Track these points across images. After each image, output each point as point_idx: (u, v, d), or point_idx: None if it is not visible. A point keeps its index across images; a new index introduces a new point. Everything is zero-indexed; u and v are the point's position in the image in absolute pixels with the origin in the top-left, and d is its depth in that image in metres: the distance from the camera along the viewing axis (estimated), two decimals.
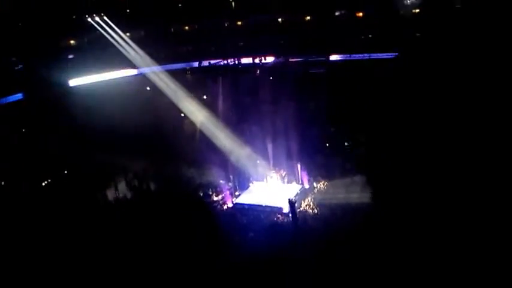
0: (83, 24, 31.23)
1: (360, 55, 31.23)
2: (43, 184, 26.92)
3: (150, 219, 23.41)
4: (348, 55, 31.60)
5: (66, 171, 27.80)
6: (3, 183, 26.18)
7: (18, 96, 27.77)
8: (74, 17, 31.46)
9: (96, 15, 31.25)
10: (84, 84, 30.60)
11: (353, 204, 24.08)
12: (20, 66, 28.23)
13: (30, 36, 27.23)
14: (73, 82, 29.91)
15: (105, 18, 31.48)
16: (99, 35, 31.12)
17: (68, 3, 30.00)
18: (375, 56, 29.77)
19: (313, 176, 28.31)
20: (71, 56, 30.82)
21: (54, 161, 27.24)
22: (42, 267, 19.15)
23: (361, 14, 33.34)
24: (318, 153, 28.94)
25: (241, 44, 35.63)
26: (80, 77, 30.14)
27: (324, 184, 27.61)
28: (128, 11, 32.74)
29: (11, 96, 27.61)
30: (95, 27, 31.35)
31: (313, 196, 26.56)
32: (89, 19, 31.21)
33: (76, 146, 27.48)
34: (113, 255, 20.04)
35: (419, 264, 17.33)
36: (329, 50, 31.36)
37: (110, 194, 27.54)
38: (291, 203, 24.14)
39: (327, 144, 30.04)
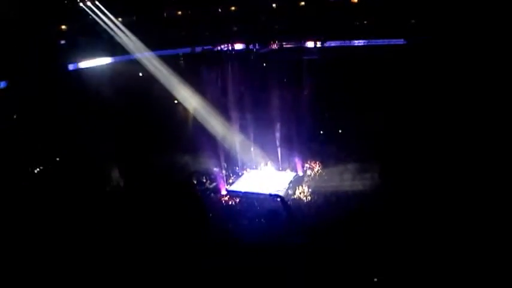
0: (74, 9, 30.72)
1: (357, 41, 31.15)
2: (35, 171, 26.65)
3: (143, 207, 23.30)
4: (347, 41, 31.49)
5: (58, 158, 27.50)
6: None
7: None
8: (65, 1, 30.89)
9: (88, 0, 30.76)
10: (76, 69, 30.22)
11: (347, 191, 24.15)
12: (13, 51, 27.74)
13: (23, 21, 26.73)
14: (65, 67, 29.51)
15: (96, 2, 30.98)
16: (91, 20, 30.65)
17: None
18: (373, 42, 29.75)
19: (308, 163, 28.33)
20: (62, 42, 30.37)
21: (46, 148, 27.00)
22: (39, 258, 19.05)
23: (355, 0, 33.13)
24: (312, 141, 28.94)
25: (235, 29, 35.35)
26: (72, 62, 29.75)
27: (318, 171, 27.63)
28: None
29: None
30: (87, 12, 30.86)
31: (307, 183, 26.57)
32: (81, 4, 30.71)
33: (68, 133, 27.32)
34: (107, 243, 19.96)
35: (411, 252, 17.45)
36: (324, 36, 31.23)
37: (103, 182, 27.34)
38: (283, 201, 24.18)
39: (321, 132, 30.04)
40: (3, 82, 27.74)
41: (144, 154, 28.20)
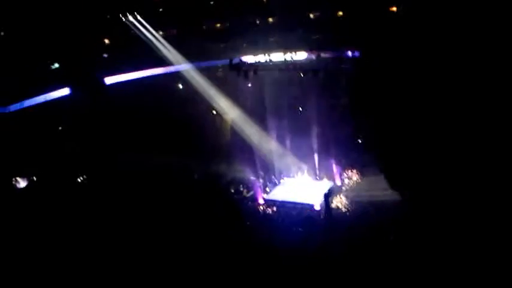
0: (117, 23, 31.79)
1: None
2: (78, 181, 27.59)
3: (182, 214, 23.72)
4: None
5: (101, 168, 28.35)
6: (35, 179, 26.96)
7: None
8: (108, 16, 32.01)
9: (130, 14, 31.75)
10: (118, 82, 31.20)
11: (386, 201, 23.72)
12: (56, 66, 28.94)
13: (67, 35, 27.88)
14: (108, 80, 30.50)
15: (138, 17, 31.96)
16: (133, 34, 31.63)
17: (102, 3, 30.57)
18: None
19: (345, 173, 28.08)
20: (105, 55, 31.46)
21: (89, 158, 27.89)
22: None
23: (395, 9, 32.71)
24: (350, 150, 28.65)
25: (272, 39, 35.56)
26: (115, 75, 30.72)
27: (356, 181, 27.34)
28: (160, 9, 33.10)
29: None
30: (129, 26, 31.87)
31: (345, 193, 26.32)
32: (123, 18, 31.75)
33: (110, 143, 28.14)
34: (145, 248, 20.42)
35: (449, 265, 16.90)
36: (362, 46, 30.96)
37: (143, 190, 27.96)
38: (326, 197, 24.05)
39: (359, 141, 29.64)
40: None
41: (184, 163, 28.69)
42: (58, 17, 26.93)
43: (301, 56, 33.17)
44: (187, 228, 22.17)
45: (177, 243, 20.81)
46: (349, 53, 31.20)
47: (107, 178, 27.73)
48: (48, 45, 27.42)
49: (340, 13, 34.60)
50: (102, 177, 27.86)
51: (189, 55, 32.81)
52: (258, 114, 31.16)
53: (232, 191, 27.73)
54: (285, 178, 29.34)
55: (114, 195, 25.39)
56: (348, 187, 27.14)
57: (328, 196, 24.45)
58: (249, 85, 33.09)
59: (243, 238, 21.78)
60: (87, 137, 28.40)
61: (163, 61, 32.58)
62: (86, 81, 28.94)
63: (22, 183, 26.66)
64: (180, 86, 33.52)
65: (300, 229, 22.93)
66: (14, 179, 26.47)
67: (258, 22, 35.95)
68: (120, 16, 31.33)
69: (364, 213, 23.59)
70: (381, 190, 24.83)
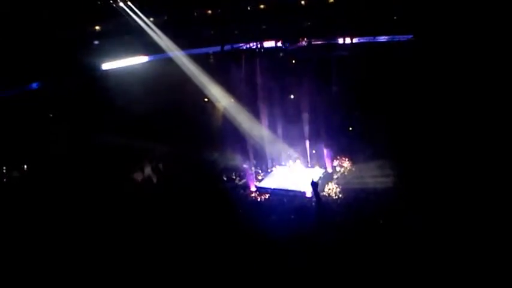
0: (107, 9, 31.46)
1: (384, 37, 30.82)
2: (71, 167, 27.48)
3: (173, 202, 23.86)
4: (372, 37, 31.19)
5: (92, 155, 28.23)
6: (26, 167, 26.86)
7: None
8: (98, 2, 31.67)
9: (120, 1, 31.43)
10: (109, 69, 31.01)
11: (377, 189, 23.99)
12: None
13: (57, 22, 27.59)
14: (100, 67, 30.30)
15: (129, 3, 31.64)
16: (124, 20, 31.35)
17: None
18: (398, 38, 29.37)
19: (337, 160, 28.27)
20: (96, 42, 31.19)
21: (82, 144, 27.77)
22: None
23: None
24: (342, 137, 28.82)
25: (264, 27, 35.47)
26: (106, 62, 30.52)
27: (347, 168, 27.55)
28: None
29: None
30: (119, 13, 31.56)
31: (336, 180, 26.54)
32: (113, 4, 31.42)
33: (102, 130, 28.05)
34: (134, 236, 20.53)
35: (439, 253, 17.26)
36: (352, 32, 31.04)
37: (136, 177, 28.04)
38: (314, 185, 24.27)
39: (350, 128, 29.86)
40: (36, 83, 28.50)
41: (175, 151, 28.74)
42: (49, 5, 26.61)
43: (292, 43, 33.21)
44: (180, 216, 22.31)
45: (169, 231, 20.96)
46: (341, 40, 31.33)
47: (99, 166, 27.66)
48: (39, 34, 27.10)
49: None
50: (94, 165, 27.77)
51: (180, 42, 32.63)
52: (249, 102, 31.13)
53: (225, 178, 27.83)
54: (276, 166, 29.45)
55: (105, 183, 25.42)
56: (339, 174, 27.33)
57: (315, 184, 24.63)
58: (241, 72, 33.03)
59: (235, 225, 21.93)
60: (77, 123, 28.24)
61: (154, 48, 32.39)
62: (77, 69, 28.69)
63: (14, 173, 26.54)
64: (171, 73, 33.28)
65: (292, 216, 23.10)
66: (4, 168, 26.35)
67: (249, 8, 35.77)
68: (111, 2, 31.01)
69: (355, 199, 23.82)
70: (371, 177, 25.22)
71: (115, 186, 25.11)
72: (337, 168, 27.84)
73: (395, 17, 31.70)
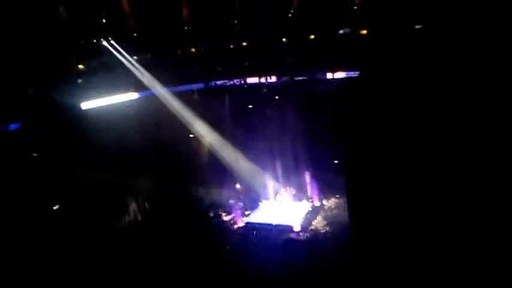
0: (90, 48, 31.61)
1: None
2: (54, 208, 26.90)
3: (159, 239, 23.50)
4: (353, 72, 31.83)
5: (76, 194, 27.75)
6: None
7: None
8: (82, 42, 31.81)
9: (104, 40, 31.64)
10: (93, 107, 30.87)
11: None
12: (30, 91, 28.40)
13: (41, 60, 27.55)
14: (83, 105, 30.14)
15: (112, 42, 31.87)
16: (107, 59, 31.50)
17: (76, 28, 30.39)
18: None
19: (323, 193, 28.33)
20: (79, 80, 31.13)
21: (65, 184, 27.29)
22: None
23: (364, 32, 33.66)
24: (327, 170, 28.96)
25: (247, 64, 35.96)
26: (89, 100, 30.40)
27: (334, 201, 27.61)
28: (134, 34, 33.11)
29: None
30: (103, 51, 31.72)
31: (324, 214, 26.53)
32: (97, 43, 31.61)
33: (86, 168, 27.64)
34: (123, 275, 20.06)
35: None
36: (335, 67, 31.69)
37: (121, 216, 27.57)
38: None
39: (335, 161, 30.04)
40: (15, 124, 28.13)
41: (161, 188, 28.45)
42: (32, 43, 26.61)
43: (275, 79, 33.71)
44: (166, 253, 21.93)
45: (157, 268, 20.57)
46: (326, 75, 31.94)
47: (81, 204, 27.13)
48: (22, 71, 26.97)
49: (312, 36, 35.29)
50: (77, 204, 27.24)
51: (164, 79, 32.81)
52: (234, 137, 31.26)
53: (211, 214, 27.59)
54: (263, 200, 29.36)
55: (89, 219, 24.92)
56: (326, 207, 27.35)
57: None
58: (225, 108, 33.29)
59: (223, 262, 21.63)
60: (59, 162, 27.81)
61: (138, 85, 32.47)
62: (60, 107, 28.48)
63: None
64: (155, 110, 33.29)
65: (280, 251, 22.90)
66: None
67: (231, 46, 36.31)
68: (94, 41, 31.19)
69: (343, 231, 23.75)
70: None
71: (100, 225, 24.61)
72: (324, 202, 27.88)
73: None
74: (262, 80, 33.50)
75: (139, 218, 27.51)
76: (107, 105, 31.46)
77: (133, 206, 27.72)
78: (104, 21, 31.27)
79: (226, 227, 26.57)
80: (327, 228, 24.81)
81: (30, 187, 25.69)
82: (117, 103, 32.31)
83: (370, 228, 18.68)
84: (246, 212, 28.06)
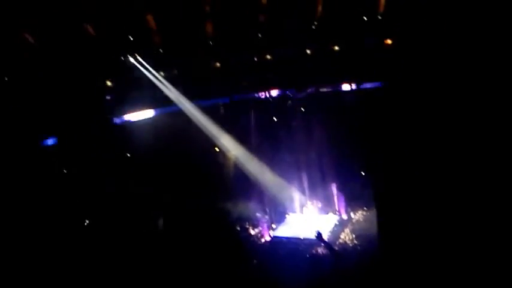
0: (118, 65, 32.23)
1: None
2: (85, 223, 27.36)
3: (189, 253, 23.62)
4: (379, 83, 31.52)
5: (106, 209, 28.19)
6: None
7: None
8: (109, 59, 32.47)
9: (131, 56, 32.22)
10: (121, 122, 31.44)
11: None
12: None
13: (71, 78, 28.31)
14: (112, 121, 30.75)
15: (139, 58, 32.41)
16: (135, 75, 32.04)
17: (103, 46, 31.10)
18: None
19: (351, 206, 28.00)
20: (108, 97, 31.77)
21: (95, 199, 27.77)
22: None
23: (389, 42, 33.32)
24: (355, 183, 28.68)
25: (271, 76, 35.99)
26: (118, 116, 30.98)
27: (362, 214, 27.26)
28: (160, 50, 33.65)
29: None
30: (130, 68, 32.28)
31: (351, 227, 26.20)
32: (124, 60, 32.19)
33: (115, 182, 28.10)
34: None
35: None
36: (361, 78, 31.43)
37: (149, 229, 27.84)
38: (319, 236, 23.91)
39: (363, 173, 29.72)
40: (52, 138, 28.82)
41: (188, 202, 28.64)
42: (60, 61, 27.37)
43: (300, 91, 33.61)
44: (194, 266, 22.03)
45: (185, 281, 20.65)
46: (350, 86, 31.70)
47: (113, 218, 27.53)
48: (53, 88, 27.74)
49: (336, 48, 35.06)
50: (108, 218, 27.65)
51: (190, 94, 33.14)
52: (260, 151, 31.27)
53: (239, 228, 27.60)
54: (290, 213, 29.21)
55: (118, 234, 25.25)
56: (354, 220, 27.02)
57: (320, 235, 24.19)
58: (250, 121, 33.34)
59: (251, 276, 21.56)
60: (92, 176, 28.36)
61: (165, 101, 32.88)
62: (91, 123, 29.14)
63: None
64: (182, 125, 33.62)
65: (307, 265, 22.73)
66: None
67: (255, 59, 36.39)
68: (122, 58, 31.77)
69: (371, 246, 23.37)
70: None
71: (129, 238, 24.91)
72: (352, 215, 27.56)
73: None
74: (287, 92, 33.45)
75: (167, 231, 27.67)
76: (134, 121, 32.00)
77: (161, 220, 27.94)
78: (131, 38, 31.87)
79: (253, 240, 26.51)
80: (356, 242, 24.47)
81: (64, 202, 26.29)
82: (145, 118, 32.82)
83: (401, 242, 18.37)
84: (273, 226, 27.96)
